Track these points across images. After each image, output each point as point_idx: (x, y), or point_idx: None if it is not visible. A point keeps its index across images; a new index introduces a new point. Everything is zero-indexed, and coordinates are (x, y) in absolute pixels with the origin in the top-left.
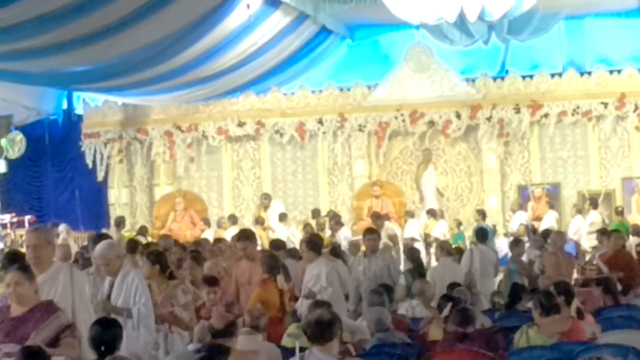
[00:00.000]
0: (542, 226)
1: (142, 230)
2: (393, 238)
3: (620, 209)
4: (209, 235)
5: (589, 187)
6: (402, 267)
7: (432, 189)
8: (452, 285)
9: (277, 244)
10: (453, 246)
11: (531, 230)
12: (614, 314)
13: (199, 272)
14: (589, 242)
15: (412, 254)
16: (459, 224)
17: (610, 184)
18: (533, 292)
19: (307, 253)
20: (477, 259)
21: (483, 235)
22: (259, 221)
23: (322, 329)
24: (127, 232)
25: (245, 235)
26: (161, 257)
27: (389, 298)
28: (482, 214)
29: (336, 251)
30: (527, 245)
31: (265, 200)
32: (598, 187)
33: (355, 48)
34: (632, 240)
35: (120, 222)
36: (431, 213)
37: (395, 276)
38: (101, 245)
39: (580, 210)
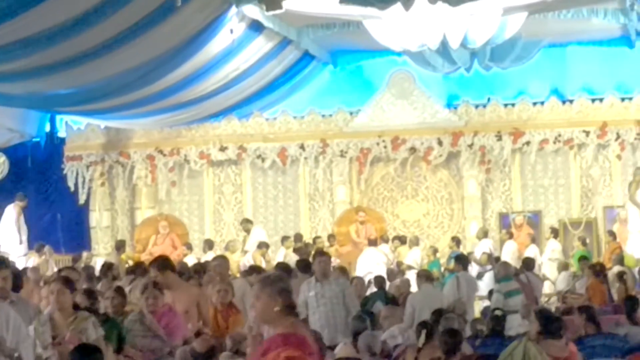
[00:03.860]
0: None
1: (120, 245)
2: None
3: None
4: (191, 259)
5: (570, 216)
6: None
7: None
8: (439, 312)
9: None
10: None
11: (494, 259)
12: (596, 342)
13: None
14: (549, 269)
15: (378, 279)
16: (435, 251)
17: (592, 213)
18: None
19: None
20: (464, 286)
21: (465, 262)
22: (228, 247)
23: None
24: (109, 256)
25: (159, 262)
26: (72, 284)
27: (372, 324)
28: (456, 241)
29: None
30: (489, 273)
31: (247, 224)
32: (579, 216)
33: (338, 74)
34: (615, 269)
35: (120, 246)
36: (401, 240)
37: (350, 303)
38: None
39: (534, 239)
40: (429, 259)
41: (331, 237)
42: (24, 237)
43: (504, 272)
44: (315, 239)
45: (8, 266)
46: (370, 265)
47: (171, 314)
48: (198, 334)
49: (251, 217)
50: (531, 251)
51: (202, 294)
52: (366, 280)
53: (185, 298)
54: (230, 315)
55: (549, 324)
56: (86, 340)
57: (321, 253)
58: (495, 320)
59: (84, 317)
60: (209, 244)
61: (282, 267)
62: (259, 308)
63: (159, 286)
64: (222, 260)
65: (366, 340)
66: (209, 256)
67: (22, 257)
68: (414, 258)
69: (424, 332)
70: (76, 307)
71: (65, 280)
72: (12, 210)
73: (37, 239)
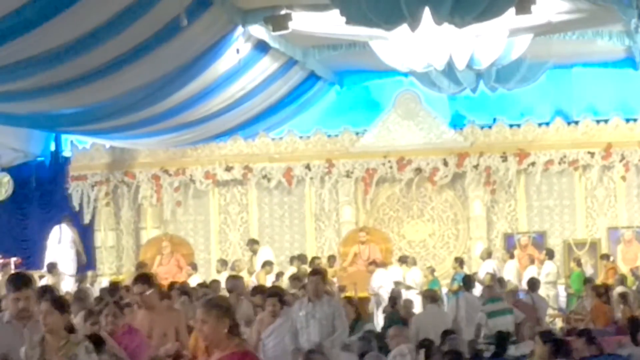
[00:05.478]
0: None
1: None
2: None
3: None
4: (196, 279)
5: (574, 237)
6: None
7: None
8: (446, 333)
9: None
10: None
11: (497, 280)
12: None
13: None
14: (545, 291)
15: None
16: (433, 270)
17: (596, 234)
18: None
19: None
20: (463, 306)
21: (469, 283)
22: (234, 267)
23: None
24: (113, 276)
25: (143, 278)
26: (63, 305)
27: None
28: (459, 262)
29: None
30: None
31: (254, 245)
32: (584, 236)
33: (344, 94)
34: (618, 289)
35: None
36: (402, 260)
37: (339, 326)
38: None
39: (533, 260)
40: (427, 279)
41: (331, 257)
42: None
43: (488, 294)
44: (313, 259)
45: (30, 286)
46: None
47: (132, 335)
48: (177, 356)
49: (257, 237)
50: (530, 272)
51: (182, 317)
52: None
53: (164, 320)
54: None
55: (559, 347)
56: None
57: (313, 272)
58: (499, 341)
59: (76, 341)
60: (222, 263)
61: (275, 290)
62: (207, 331)
63: (119, 306)
64: (236, 280)
65: None
66: (223, 276)
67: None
68: (412, 278)
69: (422, 351)
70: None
71: (55, 301)
72: (69, 230)
73: (42, 259)
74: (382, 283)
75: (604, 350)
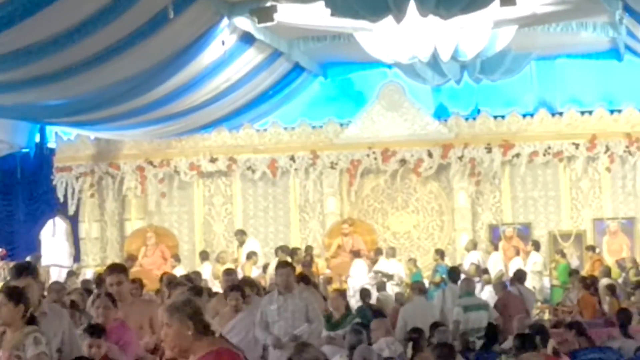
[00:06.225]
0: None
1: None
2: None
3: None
4: (180, 271)
5: (559, 228)
6: None
7: None
8: (435, 325)
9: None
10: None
11: (482, 271)
12: (590, 355)
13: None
14: (531, 282)
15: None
16: (415, 262)
17: (581, 225)
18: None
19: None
20: (450, 298)
21: (455, 275)
22: (219, 258)
23: None
24: (98, 268)
25: (118, 268)
26: (25, 296)
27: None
28: (440, 253)
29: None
30: (478, 285)
31: (240, 236)
32: (569, 228)
33: (328, 85)
34: (604, 281)
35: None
36: (378, 252)
37: (314, 318)
38: None
39: (518, 252)
40: (410, 271)
41: (309, 248)
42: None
43: (466, 288)
44: (294, 250)
45: (30, 274)
46: (363, 277)
47: (123, 329)
48: (154, 350)
49: (241, 229)
50: (516, 264)
51: (155, 308)
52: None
53: (138, 312)
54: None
55: (521, 341)
56: (24, 358)
57: (282, 265)
58: (489, 334)
59: (27, 332)
60: (204, 256)
61: (248, 282)
62: (172, 335)
63: (112, 297)
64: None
65: (362, 354)
66: (205, 268)
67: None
68: (391, 269)
69: (410, 344)
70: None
71: (8, 292)
72: (63, 223)
73: (27, 250)
74: (354, 275)
75: (594, 343)
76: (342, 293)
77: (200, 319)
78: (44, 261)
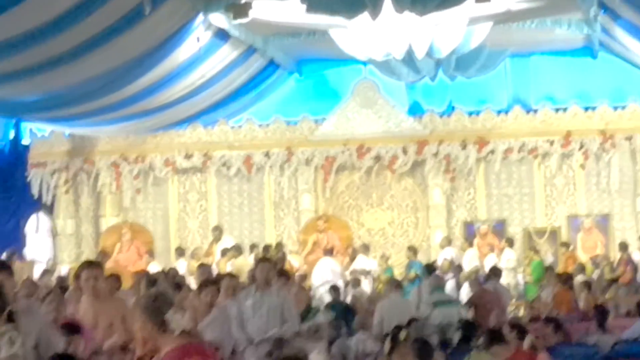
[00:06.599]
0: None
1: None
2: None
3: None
4: (155, 267)
5: (534, 225)
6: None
7: None
8: (410, 321)
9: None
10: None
11: (456, 267)
12: (567, 351)
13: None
14: (505, 279)
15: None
16: (387, 259)
17: (556, 222)
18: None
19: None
20: (425, 294)
21: (431, 270)
22: (193, 255)
23: None
24: (73, 264)
25: (93, 263)
26: (2, 292)
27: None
28: (413, 250)
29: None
30: (452, 281)
31: (217, 232)
32: (543, 225)
33: (303, 82)
34: (579, 277)
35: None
36: (357, 250)
37: (289, 317)
38: None
39: (493, 248)
40: (381, 267)
41: (279, 245)
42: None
43: (435, 284)
44: (266, 247)
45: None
46: (326, 274)
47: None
48: (123, 347)
49: (218, 225)
50: (490, 260)
51: (129, 307)
52: (320, 290)
53: (110, 309)
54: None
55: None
56: None
57: (262, 259)
58: (465, 330)
59: (2, 331)
60: (179, 252)
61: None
62: (140, 331)
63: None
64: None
65: (340, 348)
66: (180, 264)
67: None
68: (364, 265)
69: (388, 339)
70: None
71: None
72: (46, 219)
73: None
74: (321, 272)
75: (571, 338)
76: (303, 288)
77: (160, 315)
78: (28, 257)
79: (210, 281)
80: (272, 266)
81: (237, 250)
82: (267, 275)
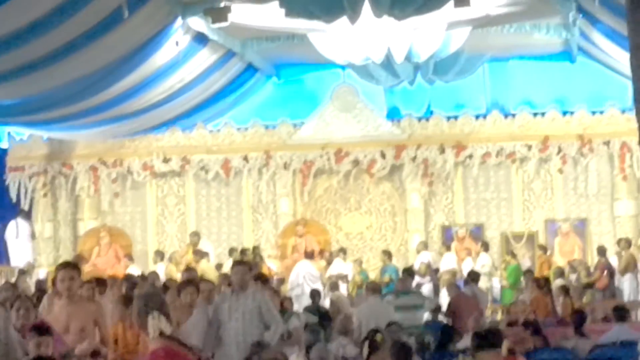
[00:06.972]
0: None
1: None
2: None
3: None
4: (134, 271)
5: (512, 229)
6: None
7: None
8: (389, 325)
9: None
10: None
11: (433, 270)
12: (545, 355)
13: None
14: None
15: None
16: (360, 263)
17: (533, 226)
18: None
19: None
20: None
21: (409, 274)
22: (171, 259)
23: None
24: (51, 267)
25: (70, 265)
26: None
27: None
28: (387, 254)
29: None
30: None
31: (195, 237)
32: (521, 229)
33: (282, 86)
34: (557, 281)
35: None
36: (334, 254)
37: (269, 320)
38: None
39: (470, 253)
40: (356, 271)
41: (255, 248)
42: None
43: (402, 287)
44: (243, 250)
45: None
46: (301, 277)
47: None
48: (94, 353)
49: (194, 229)
50: (467, 265)
51: (101, 311)
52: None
53: (82, 314)
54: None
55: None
56: None
57: (238, 263)
58: (443, 334)
59: None
60: (159, 255)
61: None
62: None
63: (31, 299)
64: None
65: (319, 353)
66: (159, 267)
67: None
68: (340, 269)
69: (367, 343)
70: None
71: None
72: (26, 225)
73: None
74: (296, 275)
75: (549, 342)
76: (276, 292)
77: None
78: (11, 262)
79: (189, 282)
80: (247, 269)
81: (200, 254)
82: (241, 278)
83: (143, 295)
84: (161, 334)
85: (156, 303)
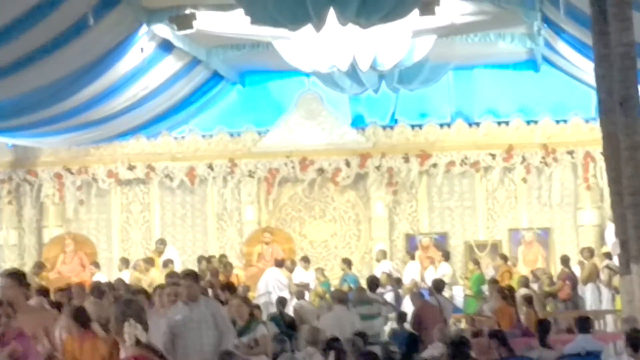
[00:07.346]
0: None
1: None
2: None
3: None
4: (100, 278)
5: (476, 238)
6: None
7: None
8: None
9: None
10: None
11: (395, 280)
12: None
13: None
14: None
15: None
16: (322, 271)
17: (497, 235)
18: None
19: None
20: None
21: (374, 284)
22: (135, 266)
23: None
24: None
25: (13, 274)
26: None
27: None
28: (347, 262)
29: None
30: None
31: (160, 245)
32: (485, 238)
33: (246, 94)
34: (521, 291)
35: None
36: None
37: (224, 327)
38: None
39: (433, 262)
40: (318, 280)
41: (222, 256)
42: None
43: (358, 297)
44: (209, 258)
45: None
46: (269, 285)
47: (22, 339)
48: (49, 358)
49: (159, 237)
50: (429, 274)
51: (51, 318)
52: (262, 300)
53: (32, 322)
54: (86, 341)
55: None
56: None
57: (185, 275)
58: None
59: None
60: (124, 262)
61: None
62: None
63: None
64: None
65: None
66: (124, 275)
67: None
68: (302, 278)
69: (332, 353)
70: None
71: None
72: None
73: None
74: (264, 283)
75: (515, 352)
76: (245, 300)
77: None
78: None
79: (141, 290)
80: (194, 281)
81: (149, 262)
82: (189, 291)
83: (121, 302)
84: (137, 342)
85: (134, 310)
